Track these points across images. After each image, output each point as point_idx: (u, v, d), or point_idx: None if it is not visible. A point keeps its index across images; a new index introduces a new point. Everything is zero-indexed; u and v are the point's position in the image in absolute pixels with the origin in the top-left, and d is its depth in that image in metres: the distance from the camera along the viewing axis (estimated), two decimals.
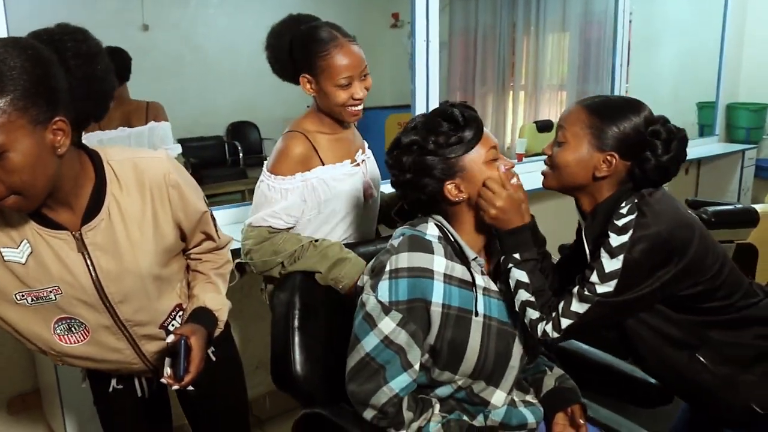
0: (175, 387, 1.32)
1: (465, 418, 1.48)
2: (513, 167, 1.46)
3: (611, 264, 1.39)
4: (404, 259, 1.39)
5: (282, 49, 1.86)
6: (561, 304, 1.43)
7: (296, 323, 1.63)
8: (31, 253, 1.26)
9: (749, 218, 2.53)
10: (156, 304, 1.44)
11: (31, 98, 1.06)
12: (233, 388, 1.75)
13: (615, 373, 1.75)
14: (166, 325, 1.48)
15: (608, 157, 1.46)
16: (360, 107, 1.82)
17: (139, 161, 1.35)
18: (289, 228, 1.83)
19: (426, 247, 1.41)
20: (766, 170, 5.60)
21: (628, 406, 1.89)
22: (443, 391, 1.48)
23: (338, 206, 1.87)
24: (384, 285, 1.39)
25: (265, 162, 1.88)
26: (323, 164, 1.83)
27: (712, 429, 1.65)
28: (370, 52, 1.95)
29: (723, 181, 5.52)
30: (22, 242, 1.26)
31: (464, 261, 1.44)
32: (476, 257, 1.44)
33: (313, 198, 1.82)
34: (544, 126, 5.43)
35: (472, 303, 1.42)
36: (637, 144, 1.45)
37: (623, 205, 1.44)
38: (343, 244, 1.81)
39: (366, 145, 2.04)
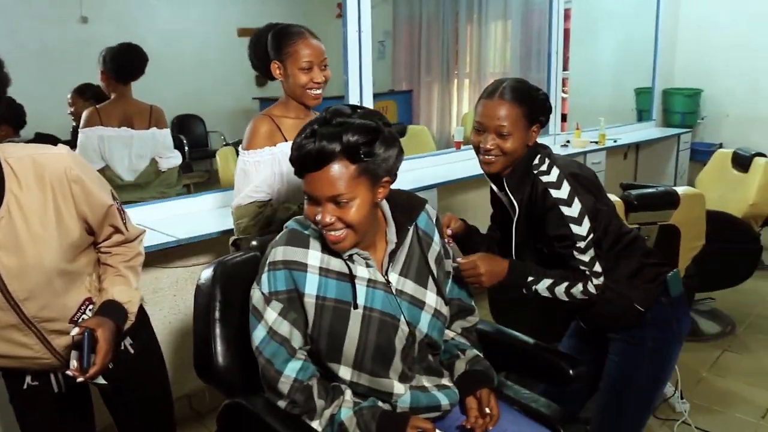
0: (80, 379, 1.32)
1: (379, 404, 1.50)
2: (325, 224, 1.38)
3: (572, 210, 1.70)
4: (280, 252, 1.45)
5: (260, 45, 2.13)
6: (580, 266, 1.74)
7: (217, 315, 1.63)
8: None
9: (671, 200, 2.61)
10: (64, 300, 1.44)
11: None
12: (153, 379, 1.75)
13: (532, 354, 1.80)
14: (76, 319, 1.47)
15: (535, 129, 1.80)
16: (319, 91, 2.09)
17: (39, 157, 1.35)
18: (269, 200, 2.09)
19: (302, 241, 1.46)
20: (701, 153, 5.76)
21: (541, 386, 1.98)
22: (344, 385, 1.50)
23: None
24: (264, 277, 1.45)
25: (240, 146, 2.14)
26: (286, 141, 2.07)
27: (597, 335, 2.01)
28: None
29: (660, 165, 5.68)
30: None
31: (341, 257, 1.46)
32: (355, 253, 1.45)
33: (278, 170, 2.06)
34: None
35: (351, 295, 1.45)
36: (543, 110, 1.81)
37: (537, 164, 1.78)
38: None
39: None
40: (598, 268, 1.75)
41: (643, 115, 6.11)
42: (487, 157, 1.78)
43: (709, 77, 5.90)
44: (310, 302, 1.44)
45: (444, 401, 1.55)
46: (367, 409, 1.45)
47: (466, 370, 1.60)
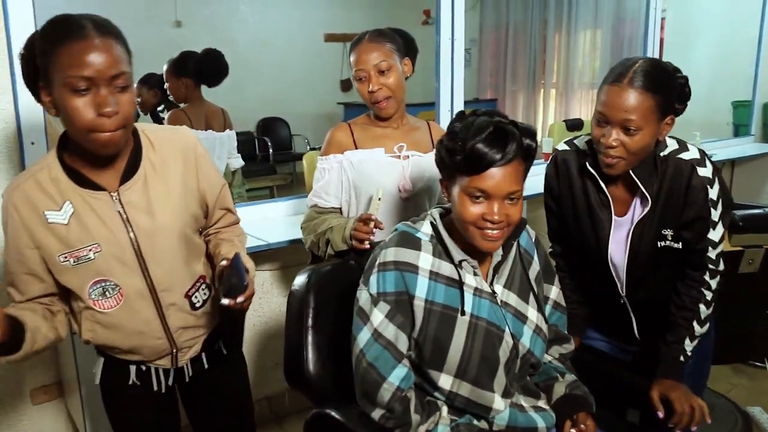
0: (240, 299, 1.36)
1: (475, 422, 1.46)
2: (495, 221, 1.36)
3: (713, 192, 1.60)
4: (392, 253, 1.43)
5: None
6: (709, 264, 1.65)
7: (310, 322, 1.62)
8: (73, 213, 1.35)
9: None
10: (184, 268, 1.51)
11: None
12: (237, 380, 1.77)
13: (625, 382, 1.73)
14: (190, 294, 1.53)
15: (669, 121, 1.58)
16: (380, 100, 1.98)
17: (172, 132, 1.54)
18: (334, 209, 2.07)
19: (413, 243, 1.45)
20: None
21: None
22: (442, 397, 1.47)
23: (369, 195, 1.98)
24: (373, 278, 1.44)
25: None
26: (356, 149, 2.04)
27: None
28: None
29: (758, 183, 5.39)
30: (64, 204, 1.35)
31: (453, 262, 1.45)
32: (465, 259, 1.44)
33: (345, 178, 2.03)
34: (574, 125, 5.33)
35: (459, 301, 1.43)
36: (681, 98, 1.60)
37: (661, 143, 1.62)
38: None
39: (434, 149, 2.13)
40: (722, 266, 1.63)
41: (740, 129, 5.81)
42: (608, 158, 1.56)
43: None
44: (419, 305, 1.42)
45: (540, 423, 1.50)
46: (464, 426, 1.42)
47: (565, 393, 1.55)
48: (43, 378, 2.34)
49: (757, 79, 5.60)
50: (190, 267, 1.53)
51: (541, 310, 1.55)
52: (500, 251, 1.49)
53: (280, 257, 2.77)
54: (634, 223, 1.66)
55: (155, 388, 1.60)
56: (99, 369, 1.60)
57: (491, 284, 1.49)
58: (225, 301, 1.35)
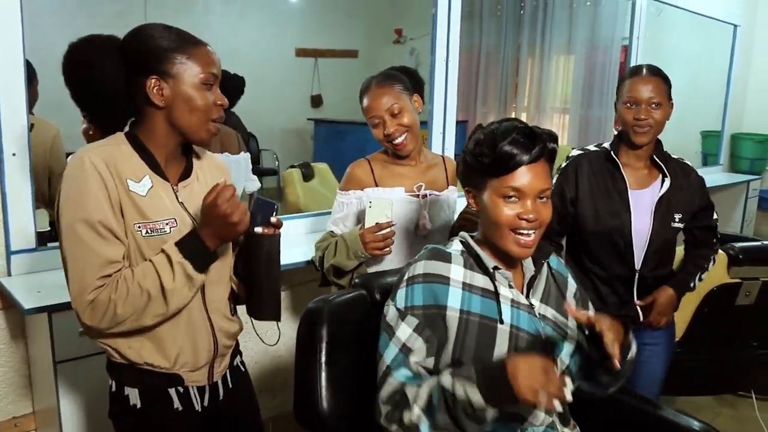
0: (274, 219, 1.48)
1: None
2: (530, 219, 1.36)
3: None
4: (421, 267, 1.42)
5: None
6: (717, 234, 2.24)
7: (323, 358, 1.52)
8: (151, 187, 1.42)
9: None
10: (226, 271, 1.59)
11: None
12: (250, 401, 1.74)
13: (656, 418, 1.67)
14: (229, 299, 1.61)
15: (671, 105, 2.07)
16: (396, 142, 2.03)
17: (212, 156, 1.66)
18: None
19: (443, 257, 1.44)
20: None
21: None
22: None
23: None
24: (401, 292, 1.41)
25: None
26: (377, 186, 2.09)
27: None
28: (372, 67, 2.22)
29: (726, 212, 5.49)
30: (143, 178, 1.41)
31: (486, 273, 1.43)
32: (499, 268, 1.42)
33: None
34: None
35: (496, 311, 1.39)
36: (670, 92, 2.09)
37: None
38: None
39: (449, 186, 2.20)
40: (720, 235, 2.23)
41: (708, 159, 5.94)
42: (641, 129, 2.00)
43: None
44: (453, 316, 1.38)
45: None
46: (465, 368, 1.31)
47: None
48: (15, 408, 2.18)
49: (726, 110, 5.73)
50: (228, 274, 1.60)
51: (580, 328, 1.51)
52: (532, 267, 1.47)
53: None
54: (659, 197, 2.05)
55: (197, 408, 1.53)
56: (136, 399, 1.47)
57: (527, 297, 1.46)
58: (258, 229, 1.45)
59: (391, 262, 2.06)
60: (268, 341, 1.85)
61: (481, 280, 1.42)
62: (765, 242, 2.57)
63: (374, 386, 1.42)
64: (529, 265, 1.48)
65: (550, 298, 1.50)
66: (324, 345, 1.54)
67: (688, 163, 2.16)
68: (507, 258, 1.43)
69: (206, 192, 1.41)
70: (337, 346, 1.55)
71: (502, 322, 1.39)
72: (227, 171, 1.66)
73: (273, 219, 1.49)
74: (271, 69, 6.91)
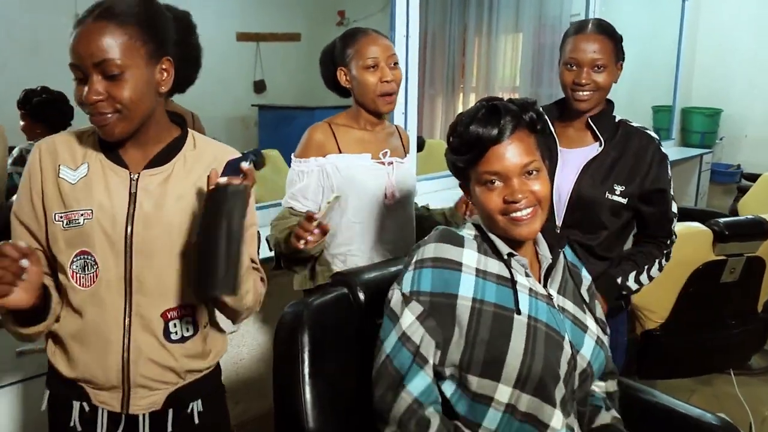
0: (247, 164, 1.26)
1: None
2: (518, 200, 1.27)
3: (670, 170, 1.86)
4: (431, 250, 1.31)
5: (327, 58, 2.00)
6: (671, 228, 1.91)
7: (306, 369, 1.35)
8: (84, 176, 1.30)
9: (761, 230, 2.40)
10: (172, 281, 1.33)
11: (149, 34, 1.24)
12: None
13: (678, 416, 1.55)
14: (168, 317, 1.33)
15: (619, 66, 1.87)
16: (392, 94, 1.91)
17: (225, 149, 1.44)
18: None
19: (456, 240, 1.33)
20: (720, 174, 5.64)
21: None
22: (492, 418, 1.26)
23: (357, 202, 1.91)
24: (408, 275, 1.31)
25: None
26: (340, 153, 1.91)
27: None
28: (316, 51, 2.09)
29: (681, 186, 5.49)
30: (81, 165, 1.31)
31: (501, 259, 1.32)
32: (513, 253, 1.31)
33: (327, 184, 1.90)
34: None
35: (512, 301, 1.28)
36: (622, 50, 1.89)
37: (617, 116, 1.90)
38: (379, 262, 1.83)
39: (411, 153, 2.13)
40: (675, 237, 1.91)
41: (660, 134, 5.92)
42: (582, 93, 1.80)
43: (728, 97, 5.75)
44: (464, 305, 1.26)
45: None
46: None
47: (609, 423, 1.40)
48: None
49: (677, 84, 5.73)
50: (179, 285, 1.34)
51: (598, 323, 1.41)
52: (549, 255, 1.37)
53: None
54: (586, 160, 1.85)
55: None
56: (45, 402, 1.40)
57: (545, 287, 1.35)
58: (223, 179, 1.24)
59: (360, 234, 1.93)
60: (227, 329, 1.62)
61: (496, 267, 1.31)
62: (749, 216, 2.49)
63: (368, 399, 1.27)
64: (546, 253, 1.38)
65: (567, 290, 1.40)
66: (306, 355, 1.37)
67: (653, 135, 1.89)
68: (518, 244, 1.33)
69: (189, 186, 1.34)
70: (321, 355, 1.37)
71: (519, 312, 1.27)
72: (213, 163, 1.38)
73: (245, 165, 1.27)
74: (212, 55, 6.55)
